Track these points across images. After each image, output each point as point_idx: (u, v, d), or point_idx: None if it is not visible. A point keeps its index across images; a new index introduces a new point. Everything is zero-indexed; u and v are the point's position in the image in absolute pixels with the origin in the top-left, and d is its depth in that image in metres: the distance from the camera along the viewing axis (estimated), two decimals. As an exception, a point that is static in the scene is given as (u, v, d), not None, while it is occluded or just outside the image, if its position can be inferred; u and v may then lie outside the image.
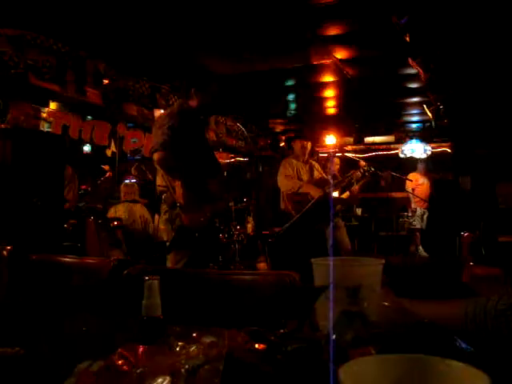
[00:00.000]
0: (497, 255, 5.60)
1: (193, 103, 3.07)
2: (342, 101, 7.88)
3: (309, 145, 4.95)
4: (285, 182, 4.85)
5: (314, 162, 5.04)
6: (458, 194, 9.33)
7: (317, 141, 8.88)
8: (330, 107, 8.45)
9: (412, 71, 5.69)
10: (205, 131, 3.20)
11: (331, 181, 4.87)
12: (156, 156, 2.85)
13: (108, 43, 5.11)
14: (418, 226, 8.82)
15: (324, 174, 4.99)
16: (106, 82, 5.67)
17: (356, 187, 4.89)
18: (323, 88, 7.20)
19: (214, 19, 4.58)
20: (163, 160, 2.84)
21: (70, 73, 5.20)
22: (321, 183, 4.79)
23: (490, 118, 7.66)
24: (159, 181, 3.06)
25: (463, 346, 0.87)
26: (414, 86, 6.79)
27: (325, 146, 9.44)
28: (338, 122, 9.25)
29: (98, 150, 6.45)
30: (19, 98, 4.77)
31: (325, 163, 5.19)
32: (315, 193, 4.57)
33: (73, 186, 5.57)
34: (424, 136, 9.73)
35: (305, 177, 4.88)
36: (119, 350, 0.82)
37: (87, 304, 1.67)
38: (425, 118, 8.86)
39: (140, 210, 5.70)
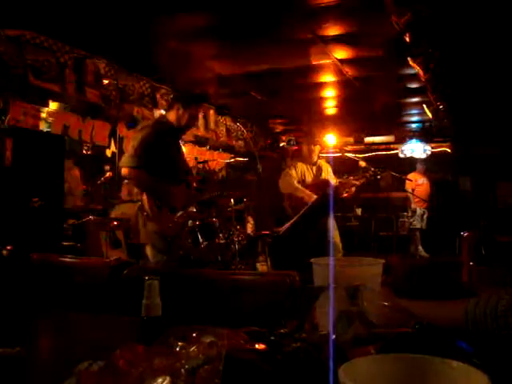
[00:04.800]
0: (497, 255, 5.60)
1: (171, 117, 3.23)
2: (342, 101, 7.88)
3: (316, 148, 4.96)
4: (282, 182, 4.89)
5: (323, 163, 5.05)
6: (457, 194, 9.34)
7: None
8: (330, 107, 8.45)
9: (412, 71, 5.69)
10: (178, 142, 3.32)
11: (332, 182, 4.86)
12: (123, 171, 3.07)
13: (108, 43, 5.11)
14: (418, 226, 8.82)
15: (333, 175, 5.00)
16: (106, 82, 5.67)
17: (353, 189, 4.88)
18: (323, 88, 7.20)
19: (215, 19, 4.58)
20: (129, 176, 3.10)
21: (69, 73, 5.20)
22: (321, 185, 4.79)
23: (490, 117, 7.66)
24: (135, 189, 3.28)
25: (463, 346, 0.87)
26: (414, 86, 6.79)
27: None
28: (338, 122, 9.25)
29: (98, 149, 6.45)
30: (19, 98, 4.77)
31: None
32: (309, 198, 4.58)
33: (80, 188, 5.61)
34: (424, 136, 9.73)
35: (309, 178, 4.89)
36: (119, 350, 0.82)
37: (87, 304, 1.67)
38: (425, 118, 8.86)
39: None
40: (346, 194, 4.80)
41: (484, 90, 6.44)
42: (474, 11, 4.12)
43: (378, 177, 5.09)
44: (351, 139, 10.20)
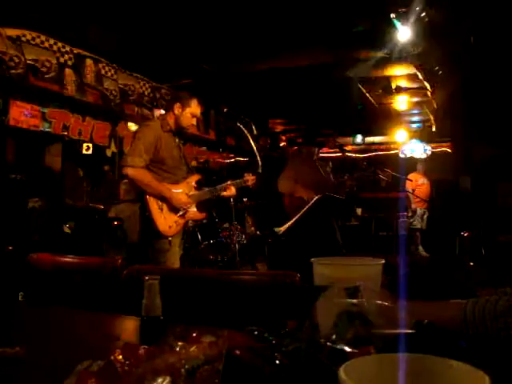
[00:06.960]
0: (497, 255, 5.60)
1: (172, 117, 3.22)
2: (343, 101, 7.88)
3: (315, 150, 5.00)
4: (282, 183, 4.92)
5: (322, 163, 5.08)
6: (457, 194, 9.33)
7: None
8: (331, 107, 8.45)
9: (412, 71, 5.70)
10: (179, 141, 3.30)
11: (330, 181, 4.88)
12: (126, 171, 3.06)
13: (108, 43, 5.11)
14: (418, 226, 8.82)
15: (331, 175, 5.03)
16: (106, 82, 5.67)
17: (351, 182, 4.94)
18: (323, 88, 7.20)
19: (215, 19, 4.58)
20: (132, 176, 3.07)
21: (69, 73, 5.20)
22: (321, 185, 4.81)
23: (490, 117, 7.66)
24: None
25: (463, 345, 0.86)
26: (414, 85, 6.80)
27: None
28: (339, 122, 9.26)
29: (97, 149, 6.45)
30: (19, 98, 4.77)
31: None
32: (308, 198, 4.60)
33: (83, 189, 5.61)
34: (424, 136, 9.74)
35: (308, 178, 4.91)
36: (119, 350, 0.82)
37: (87, 304, 1.67)
38: (425, 118, 8.86)
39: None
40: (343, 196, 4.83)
41: (484, 90, 6.45)
42: (474, 11, 4.12)
43: (378, 176, 5.13)
44: (351, 139, 10.21)
